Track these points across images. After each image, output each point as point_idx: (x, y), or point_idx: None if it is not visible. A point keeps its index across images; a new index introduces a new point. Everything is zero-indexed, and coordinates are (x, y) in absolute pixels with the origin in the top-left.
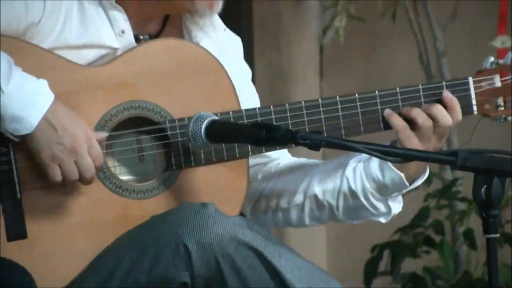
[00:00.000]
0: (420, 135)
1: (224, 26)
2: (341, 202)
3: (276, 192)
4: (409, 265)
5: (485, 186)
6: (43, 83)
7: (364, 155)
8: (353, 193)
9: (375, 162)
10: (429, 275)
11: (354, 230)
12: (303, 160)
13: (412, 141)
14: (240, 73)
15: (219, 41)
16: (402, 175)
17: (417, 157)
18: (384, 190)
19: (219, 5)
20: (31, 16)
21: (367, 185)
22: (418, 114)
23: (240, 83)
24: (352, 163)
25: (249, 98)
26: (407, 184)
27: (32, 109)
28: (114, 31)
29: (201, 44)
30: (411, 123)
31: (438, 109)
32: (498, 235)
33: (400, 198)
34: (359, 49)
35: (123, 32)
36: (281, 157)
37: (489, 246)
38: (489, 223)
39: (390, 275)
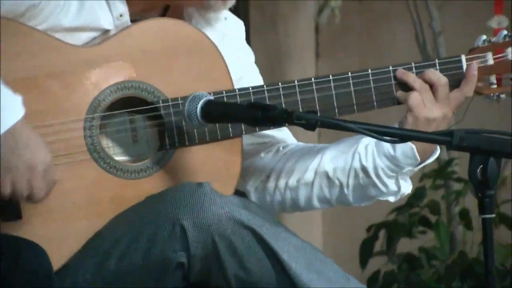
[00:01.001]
0: (425, 100)
1: (226, 15)
2: (351, 180)
3: (286, 171)
4: (404, 245)
5: (481, 166)
6: (18, 99)
7: None
8: (364, 169)
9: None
10: (425, 255)
11: (350, 210)
12: (311, 144)
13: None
14: (243, 57)
15: (221, 29)
16: (414, 146)
17: (413, 137)
18: (395, 165)
19: (232, 0)
20: None
21: (378, 161)
22: (415, 80)
23: (243, 66)
24: (364, 140)
25: (252, 80)
26: (418, 158)
27: (2, 118)
28: (113, 15)
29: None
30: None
31: (431, 72)
32: (493, 215)
33: (409, 179)
34: (356, 29)
35: (121, 15)
36: (287, 139)
37: (485, 226)
38: (485, 203)
39: (386, 255)
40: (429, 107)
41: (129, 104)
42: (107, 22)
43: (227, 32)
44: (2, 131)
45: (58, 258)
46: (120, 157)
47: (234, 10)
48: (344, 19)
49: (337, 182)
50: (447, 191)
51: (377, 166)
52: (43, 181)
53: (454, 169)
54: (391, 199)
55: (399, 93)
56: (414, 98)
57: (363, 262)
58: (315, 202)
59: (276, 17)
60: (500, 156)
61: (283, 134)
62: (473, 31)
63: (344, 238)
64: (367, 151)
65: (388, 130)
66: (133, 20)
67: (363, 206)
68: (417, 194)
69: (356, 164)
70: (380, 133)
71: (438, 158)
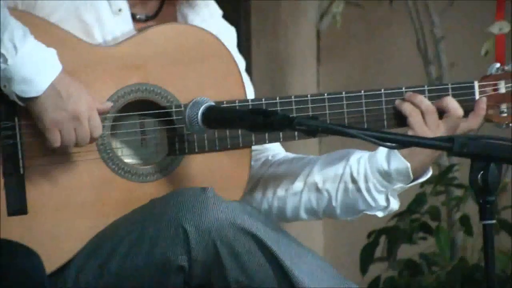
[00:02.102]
0: (429, 122)
1: (221, 12)
2: (340, 192)
3: (274, 180)
4: (405, 251)
5: (482, 172)
6: (54, 52)
7: (366, 151)
8: (354, 182)
9: (382, 153)
10: (425, 261)
11: None
12: (301, 155)
13: (423, 128)
14: None
15: (215, 28)
16: (409, 165)
17: (414, 143)
18: (387, 181)
19: None
20: None
21: (370, 176)
22: (422, 100)
23: None
24: (357, 154)
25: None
26: (411, 176)
27: (43, 73)
28: (111, 9)
29: None
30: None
31: (449, 100)
32: (494, 221)
33: (397, 196)
34: (357, 35)
35: (120, 10)
36: (276, 149)
37: (486, 233)
38: (486, 209)
39: (387, 261)
40: (431, 129)
41: (142, 107)
42: (106, 16)
43: (221, 33)
44: (45, 86)
45: (60, 255)
46: (129, 160)
47: (236, 17)
48: (345, 25)
49: (326, 194)
50: (447, 197)
51: (368, 180)
52: (88, 128)
53: (455, 175)
54: (379, 214)
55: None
56: (414, 116)
57: (364, 268)
58: (302, 213)
59: (278, 23)
60: (501, 162)
61: (272, 144)
62: (474, 37)
63: (345, 244)
64: (359, 164)
65: (389, 136)
66: (132, 14)
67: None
68: (418, 200)
69: (347, 177)
70: (381, 138)
71: (438, 164)
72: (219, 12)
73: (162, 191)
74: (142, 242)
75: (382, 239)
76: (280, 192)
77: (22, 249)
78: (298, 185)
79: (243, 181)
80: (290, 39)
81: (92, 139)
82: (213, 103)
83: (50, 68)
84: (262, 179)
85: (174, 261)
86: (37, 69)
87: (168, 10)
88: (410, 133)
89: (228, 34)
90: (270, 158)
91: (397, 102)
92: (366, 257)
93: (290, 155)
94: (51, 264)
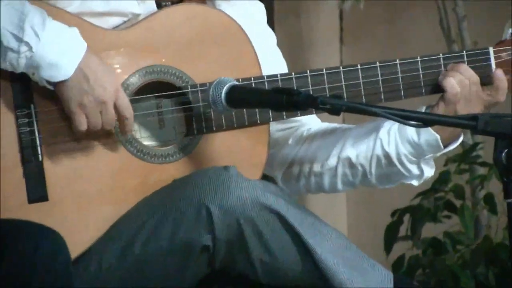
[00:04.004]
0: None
1: None
2: (374, 165)
3: (309, 157)
4: (429, 230)
5: (506, 150)
6: (75, 31)
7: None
8: (386, 155)
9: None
10: (449, 240)
11: (374, 195)
12: (335, 125)
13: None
14: (264, 39)
15: (242, 9)
16: (438, 137)
17: (438, 121)
18: (418, 152)
19: None
20: None
21: (401, 147)
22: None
23: (265, 48)
24: (386, 125)
25: (275, 63)
26: (442, 146)
27: (69, 56)
28: None
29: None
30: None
31: (463, 68)
32: None
33: (432, 162)
34: (380, 15)
35: None
36: (312, 123)
37: (510, 211)
38: (510, 187)
39: (411, 240)
40: (462, 103)
41: (158, 89)
42: (131, 5)
43: (249, 13)
44: (72, 70)
45: (82, 242)
46: (147, 142)
47: None
48: (368, 5)
49: (360, 168)
50: (471, 176)
51: (399, 152)
52: (113, 112)
53: (479, 153)
54: (415, 182)
55: (441, 78)
56: (453, 87)
57: (388, 247)
58: (340, 186)
59: (300, 5)
60: None
61: (308, 119)
62: (497, 16)
63: (368, 223)
64: (390, 136)
65: (412, 114)
66: (157, 2)
67: (388, 190)
68: (442, 179)
69: (378, 151)
70: (405, 117)
71: (462, 143)
72: None
73: (183, 171)
74: (165, 224)
75: (406, 218)
76: (316, 167)
77: (46, 231)
78: (332, 161)
79: (262, 159)
80: (313, 20)
81: (124, 118)
82: (236, 83)
83: (75, 49)
84: (297, 156)
85: (198, 241)
86: (62, 52)
87: None
88: (440, 107)
89: (256, 11)
90: (305, 133)
91: (441, 76)
92: (390, 236)
93: (323, 126)
94: (73, 250)
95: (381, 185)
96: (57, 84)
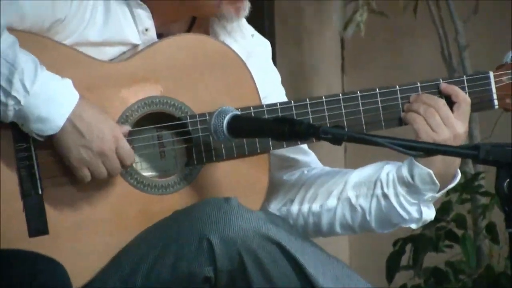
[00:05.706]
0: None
1: (253, 32)
2: (373, 206)
3: (309, 196)
4: (431, 259)
5: (508, 180)
6: (68, 83)
7: (399, 163)
8: (385, 196)
9: (405, 165)
10: (451, 270)
11: None
12: (336, 169)
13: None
14: (269, 76)
15: (247, 46)
16: (430, 171)
17: (440, 151)
18: (415, 192)
19: (245, 10)
20: (57, 14)
21: (399, 188)
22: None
23: (269, 86)
24: (387, 167)
25: (278, 100)
26: (437, 182)
27: (57, 109)
28: (138, 29)
29: None
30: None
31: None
32: None
33: (432, 206)
34: (381, 44)
35: (146, 30)
36: (312, 163)
37: None
38: None
39: (412, 269)
40: (436, 131)
41: (156, 119)
42: (132, 36)
43: (253, 50)
44: (61, 123)
45: (84, 273)
46: (147, 173)
47: (260, 26)
48: (369, 34)
49: (359, 209)
50: (473, 205)
51: (398, 193)
52: (117, 160)
53: (481, 183)
54: (413, 226)
55: (403, 115)
56: (418, 123)
57: (390, 276)
58: (338, 228)
59: (302, 32)
60: None
61: (308, 158)
62: (498, 46)
63: (370, 252)
64: (388, 178)
65: (415, 144)
66: (159, 34)
67: None
68: (444, 208)
69: (378, 191)
70: (407, 147)
71: (464, 172)
72: (250, 31)
73: (183, 202)
74: (167, 255)
75: (408, 247)
76: (315, 207)
77: (48, 262)
78: (332, 201)
79: (263, 187)
80: (315, 48)
81: (125, 167)
82: (238, 112)
83: (65, 102)
84: (298, 194)
85: (199, 273)
86: (50, 105)
87: (197, 31)
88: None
89: (261, 49)
90: (305, 172)
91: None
92: (392, 265)
93: (326, 169)
94: (75, 283)
95: (380, 229)
96: (51, 137)
